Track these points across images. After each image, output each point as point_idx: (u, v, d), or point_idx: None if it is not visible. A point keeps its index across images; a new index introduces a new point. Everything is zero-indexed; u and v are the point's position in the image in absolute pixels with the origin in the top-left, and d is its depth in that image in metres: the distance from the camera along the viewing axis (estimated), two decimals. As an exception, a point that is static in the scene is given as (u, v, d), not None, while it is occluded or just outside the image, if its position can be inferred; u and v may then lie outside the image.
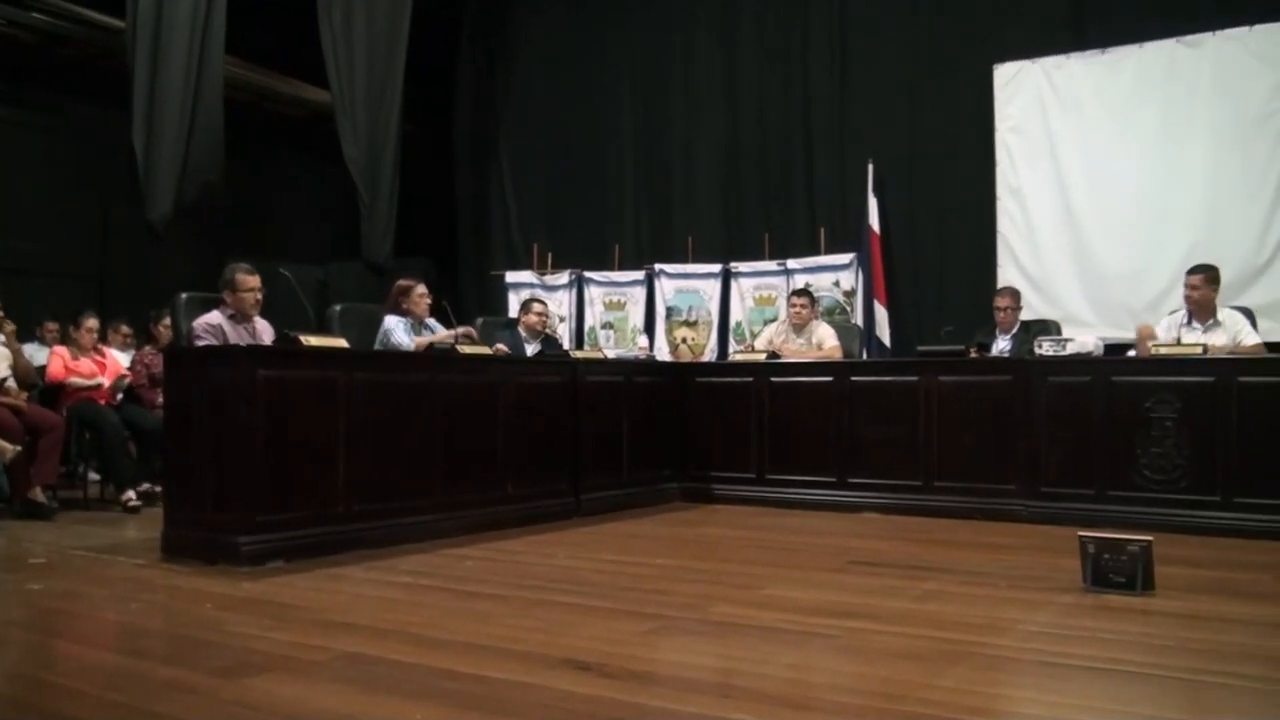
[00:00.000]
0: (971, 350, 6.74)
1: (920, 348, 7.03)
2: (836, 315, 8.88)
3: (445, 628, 3.41)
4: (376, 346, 6.43)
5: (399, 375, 5.35)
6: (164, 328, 7.08)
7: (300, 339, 5.05)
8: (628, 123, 10.42)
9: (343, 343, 5.33)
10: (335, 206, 10.56)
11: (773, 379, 6.87)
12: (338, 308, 6.52)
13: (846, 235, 9.19)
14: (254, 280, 5.77)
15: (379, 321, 6.52)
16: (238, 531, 4.55)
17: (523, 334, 7.31)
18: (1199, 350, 5.87)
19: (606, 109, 10.49)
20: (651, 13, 10.32)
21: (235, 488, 4.61)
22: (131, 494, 6.57)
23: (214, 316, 5.64)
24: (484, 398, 5.73)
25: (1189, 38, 7.90)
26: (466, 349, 6.06)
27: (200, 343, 5.45)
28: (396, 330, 6.49)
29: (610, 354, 8.97)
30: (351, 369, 5.06)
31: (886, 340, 8.71)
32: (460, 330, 6.50)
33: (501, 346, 6.84)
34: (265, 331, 5.84)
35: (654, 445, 6.91)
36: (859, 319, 8.78)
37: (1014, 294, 7.31)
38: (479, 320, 7.46)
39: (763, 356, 7.16)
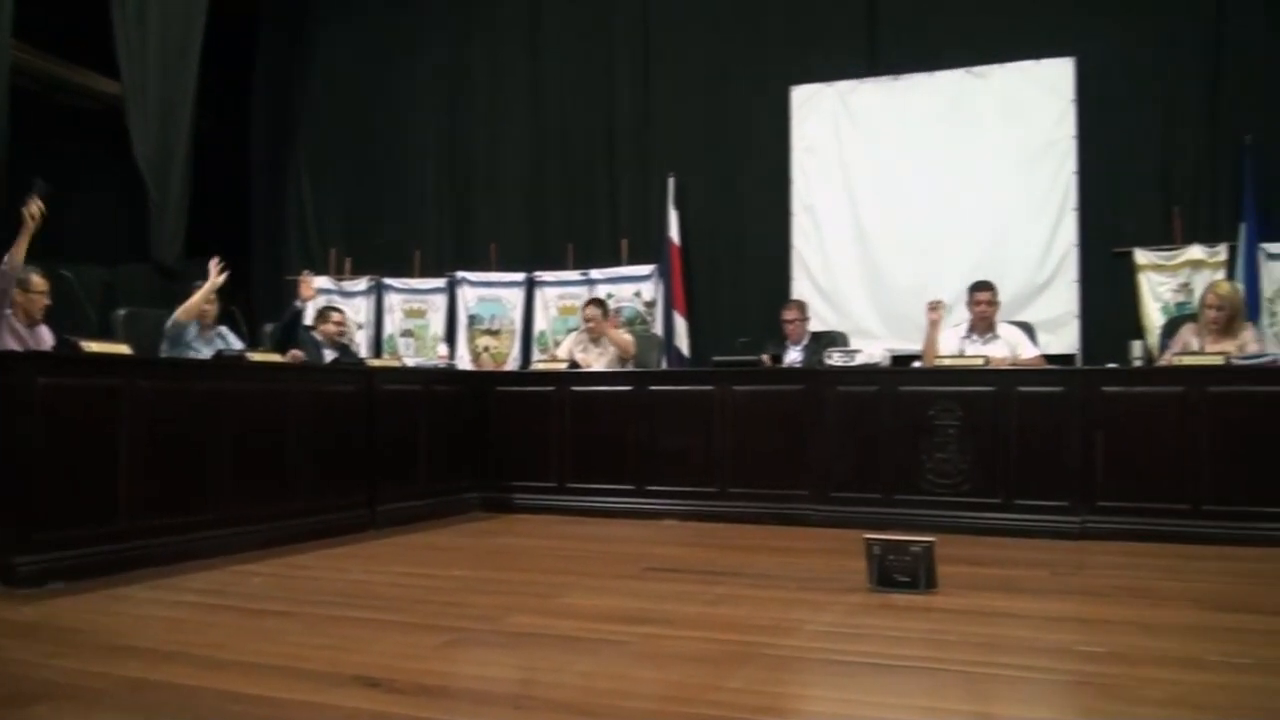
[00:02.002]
0: (765, 360, 6.89)
1: (716, 358, 7.14)
2: (637, 325, 8.96)
3: (232, 648, 3.26)
4: (165, 351, 6.17)
5: (186, 383, 5.10)
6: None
7: (80, 344, 4.78)
8: (430, 128, 10.27)
9: (126, 349, 5.07)
10: (124, 205, 10.04)
11: (573, 388, 6.88)
12: (123, 311, 6.22)
13: (648, 247, 9.29)
14: (45, 283, 5.50)
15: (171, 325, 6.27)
16: (13, 550, 4.24)
17: (320, 340, 7.12)
18: (981, 361, 6.17)
19: (409, 112, 10.30)
20: (457, 18, 10.21)
21: (10, 503, 4.30)
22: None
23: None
24: (276, 407, 5.53)
25: (977, 68, 8.32)
26: (258, 356, 5.86)
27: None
28: (228, 336, 6.24)
29: (410, 362, 8.81)
30: (136, 376, 4.80)
31: (685, 350, 8.84)
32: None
33: (298, 354, 6.65)
34: (45, 337, 5.53)
35: (453, 455, 6.82)
36: (659, 329, 8.88)
37: (801, 306, 7.53)
38: (267, 327, 7.23)
39: (564, 366, 7.17)
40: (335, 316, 7.31)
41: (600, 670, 3.07)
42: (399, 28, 10.36)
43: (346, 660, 3.09)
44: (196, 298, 6.34)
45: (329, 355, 7.04)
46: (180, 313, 6.31)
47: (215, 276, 6.43)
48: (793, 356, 7.23)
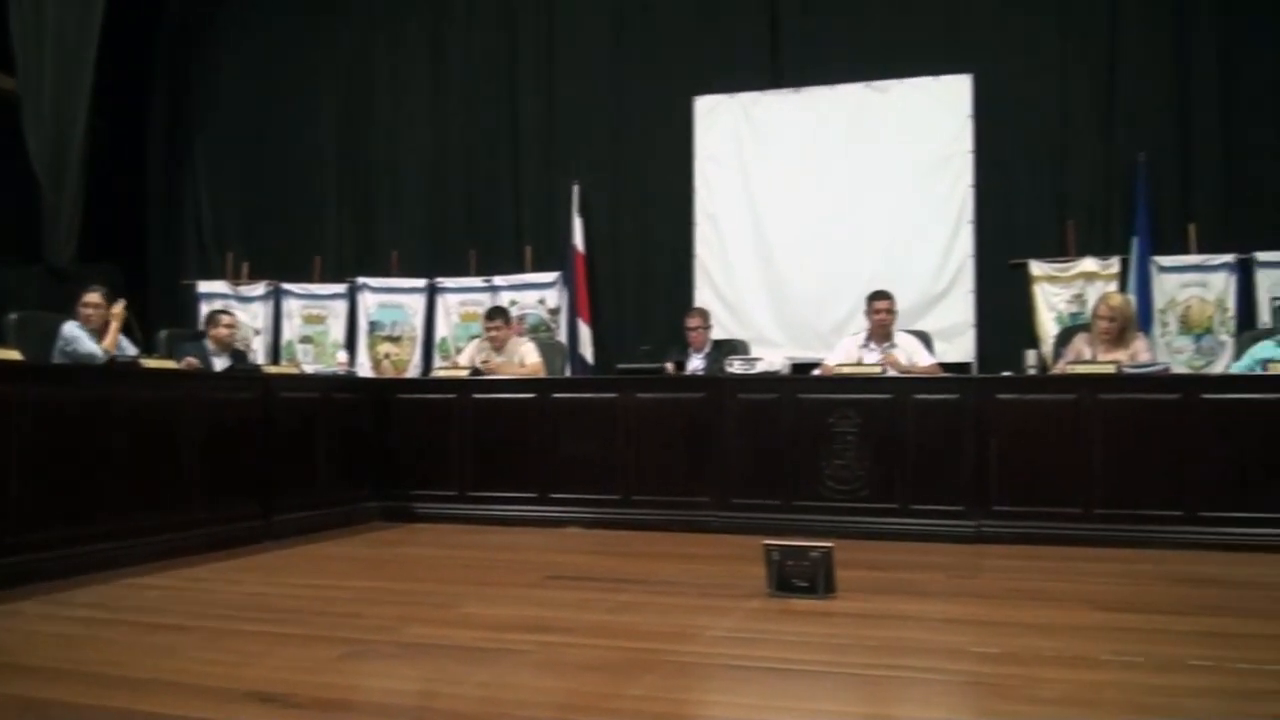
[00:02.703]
0: (668, 368, 6.92)
1: (619, 365, 7.16)
2: (541, 333, 8.93)
3: (125, 664, 3.16)
4: (57, 357, 5.99)
5: (77, 391, 4.94)
6: None
7: (-36, 350, 4.61)
8: (331, 131, 10.12)
9: (17, 354, 4.89)
10: (15, 204, 9.70)
11: (475, 396, 6.82)
12: (14, 315, 6.03)
13: (552, 254, 9.27)
14: None
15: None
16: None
17: (210, 347, 6.97)
18: (879, 369, 6.26)
19: (310, 115, 10.15)
20: (360, 19, 10.08)
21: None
22: None
23: None
24: (170, 415, 5.38)
25: (878, 83, 8.48)
26: (152, 363, 5.72)
27: None
28: (82, 339, 6.07)
29: (308, 369, 8.70)
30: (24, 383, 4.63)
31: (589, 357, 8.85)
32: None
33: (192, 360, 6.50)
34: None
35: (353, 464, 6.71)
36: (563, 337, 8.87)
37: (703, 314, 7.58)
38: (163, 333, 7.07)
39: (466, 373, 7.11)
40: (225, 320, 7.15)
41: (500, 680, 3.04)
42: (300, 32, 10.20)
43: (243, 675, 3.02)
44: (112, 335, 6.25)
45: (221, 362, 6.88)
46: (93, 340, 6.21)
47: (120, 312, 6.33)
48: (695, 364, 7.27)
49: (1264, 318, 7.59)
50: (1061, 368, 6.33)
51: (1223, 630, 3.70)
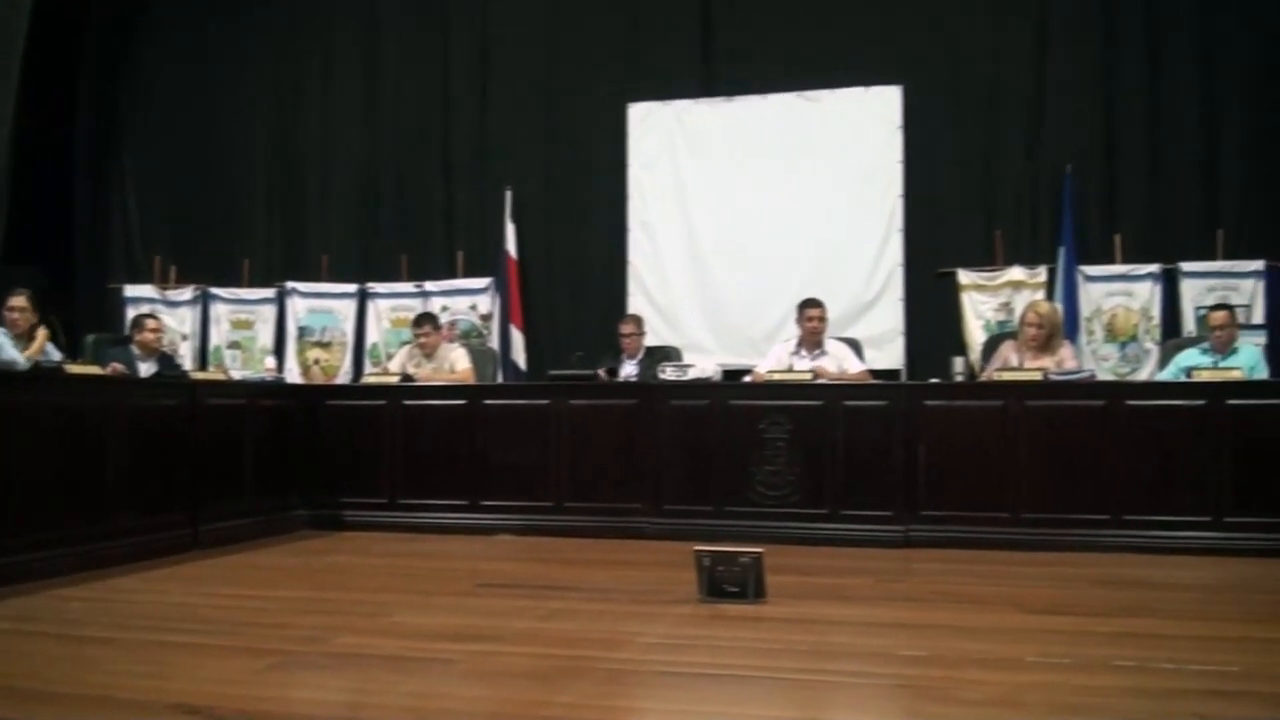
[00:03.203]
0: (601, 375, 6.91)
1: (552, 372, 7.14)
2: (473, 339, 8.89)
3: (47, 678, 3.09)
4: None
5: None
6: None
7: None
8: (261, 133, 9.98)
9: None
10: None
11: (406, 402, 6.75)
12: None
13: (484, 259, 9.23)
14: None
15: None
16: None
17: (136, 352, 6.85)
18: (809, 376, 6.31)
19: (238, 119, 9.99)
20: (290, 25, 9.97)
21: None
22: None
23: None
24: (94, 422, 5.25)
25: (810, 93, 8.56)
26: (76, 368, 5.60)
27: None
28: (4, 345, 5.94)
29: (236, 375, 8.58)
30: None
31: (522, 364, 8.82)
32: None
33: (118, 366, 6.39)
34: None
35: (281, 472, 6.61)
36: (495, 343, 8.83)
37: (637, 321, 7.58)
38: (89, 338, 6.93)
39: (396, 379, 7.05)
40: (150, 324, 7.01)
41: (429, 690, 3.01)
42: (230, 34, 10.05)
43: (168, 688, 2.96)
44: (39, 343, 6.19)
45: (147, 367, 6.76)
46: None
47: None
48: (628, 370, 7.27)
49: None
50: (989, 375, 6.43)
51: (1146, 631, 3.78)
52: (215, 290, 9.66)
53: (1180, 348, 6.75)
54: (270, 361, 8.40)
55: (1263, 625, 3.90)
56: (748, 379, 6.65)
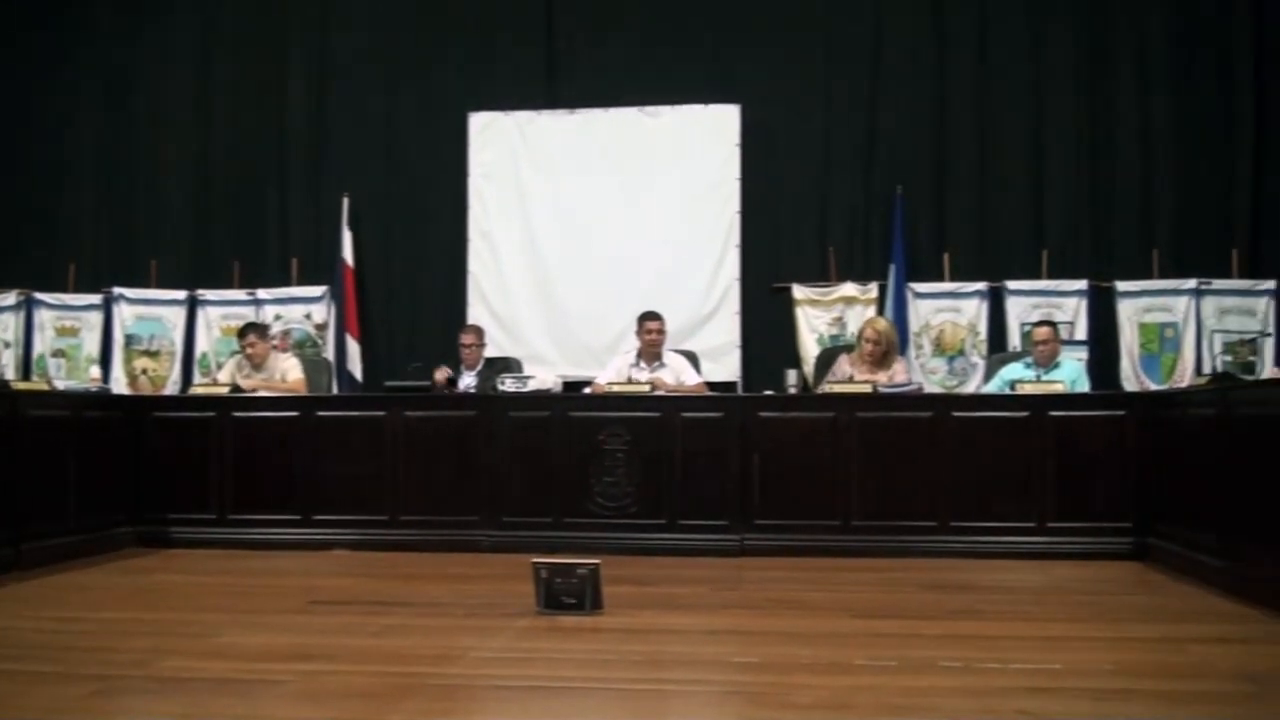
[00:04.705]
0: (438, 377, 6.83)
1: (388, 383, 7.00)
2: (308, 348, 8.68)
3: None
4: None
5: None
6: None
7: None
8: (88, 132, 9.55)
9: None
10: None
11: (236, 414, 6.53)
12: None
13: (320, 267, 9.03)
14: None
15: None
16: None
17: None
18: (647, 388, 6.34)
19: (65, 119, 9.53)
20: (121, 23, 9.54)
21: None
22: None
23: None
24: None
25: (650, 108, 8.65)
26: None
27: None
28: None
29: (60, 385, 8.19)
30: None
31: (358, 375, 8.65)
32: None
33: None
34: None
35: (106, 487, 6.31)
36: (330, 353, 8.64)
37: (477, 331, 7.51)
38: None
39: (225, 390, 6.83)
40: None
41: (257, 713, 2.92)
42: (60, 29, 9.60)
43: (-18, 717, 2.81)
44: None
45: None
46: None
47: None
48: (467, 382, 7.20)
49: (1013, 341, 8.12)
50: (826, 387, 6.57)
51: (972, 633, 3.91)
52: (39, 295, 9.19)
53: (1005, 362, 7.01)
54: (96, 371, 8.08)
55: (1083, 625, 4.07)
56: (588, 390, 6.66)
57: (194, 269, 9.28)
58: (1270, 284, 7.98)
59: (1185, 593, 4.76)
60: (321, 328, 8.89)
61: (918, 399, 6.19)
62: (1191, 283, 8.05)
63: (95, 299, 9.23)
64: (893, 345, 6.73)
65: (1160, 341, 8.12)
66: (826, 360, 7.08)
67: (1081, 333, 8.13)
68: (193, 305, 9.16)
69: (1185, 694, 3.04)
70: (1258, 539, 4.45)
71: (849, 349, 6.87)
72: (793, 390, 6.52)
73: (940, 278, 8.40)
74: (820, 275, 8.50)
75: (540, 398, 6.38)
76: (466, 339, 7.36)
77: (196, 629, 4.05)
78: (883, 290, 8.35)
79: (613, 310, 8.24)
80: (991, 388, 6.71)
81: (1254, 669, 3.32)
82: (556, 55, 8.95)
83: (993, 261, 8.40)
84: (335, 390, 7.97)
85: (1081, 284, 8.20)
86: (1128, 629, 3.99)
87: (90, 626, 4.21)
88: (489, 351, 7.56)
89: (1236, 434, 4.71)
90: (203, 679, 3.27)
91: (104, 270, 9.40)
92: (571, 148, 8.71)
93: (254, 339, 7.13)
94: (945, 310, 8.37)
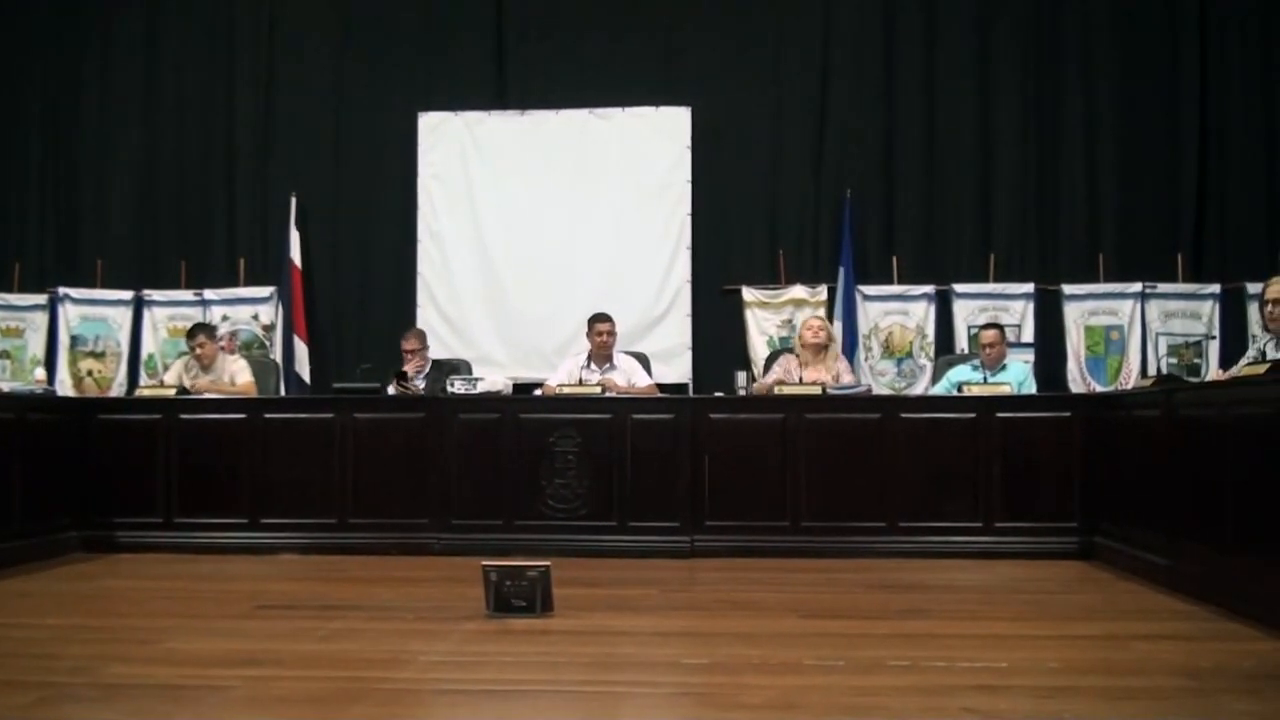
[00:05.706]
0: (390, 387, 6.79)
1: (336, 385, 6.95)
2: (255, 350, 8.60)
3: None
4: None
5: None
6: None
7: None
8: (34, 128, 9.36)
9: None
10: None
11: (183, 416, 6.45)
12: None
13: (267, 268, 8.95)
14: None
15: None
16: None
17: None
18: (598, 390, 6.34)
19: (10, 110, 9.36)
20: (67, 21, 9.38)
21: None
22: None
23: None
24: None
25: (601, 110, 8.66)
26: None
27: None
28: None
29: (4, 387, 8.05)
30: None
31: (306, 376, 8.58)
32: None
33: None
34: None
35: (51, 491, 6.19)
36: (278, 354, 8.57)
37: (420, 335, 7.41)
38: None
39: (172, 392, 6.74)
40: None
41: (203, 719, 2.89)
42: (2, 22, 9.45)
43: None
44: None
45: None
46: None
47: None
48: (417, 384, 7.14)
49: (961, 343, 8.21)
50: (766, 383, 6.59)
51: (920, 632, 3.93)
52: (-18, 295, 9.06)
53: (953, 364, 7.09)
54: (40, 373, 7.96)
55: (1029, 624, 4.13)
56: (538, 392, 6.65)
57: (140, 269, 9.16)
58: (1215, 288, 8.14)
59: (1130, 591, 4.83)
60: (269, 329, 8.81)
61: (867, 401, 6.23)
62: (1137, 286, 8.19)
63: (40, 299, 9.09)
64: (833, 339, 6.84)
65: (1106, 344, 8.25)
66: (773, 361, 7.12)
67: (1028, 335, 8.25)
68: (139, 306, 9.04)
69: (1129, 690, 3.09)
70: (1201, 538, 4.53)
71: (793, 350, 6.91)
72: (742, 392, 6.54)
73: (889, 280, 8.48)
74: (770, 277, 8.55)
75: (490, 399, 6.36)
76: (409, 345, 7.19)
77: (142, 635, 4.00)
78: (832, 293, 8.42)
79: (563, 312, 8.24)
80: (939, 389, 6.77)
81: (1197, 665, 3.38)
82: (507, 56, 8.93)
83: (941, 264, 8.52)
84: (283, 392, 7.88)
85: (1028, 287, 8.32)
86: (1073, 627, 4.04)
87: (33, 633, 4.12)
88: (437, 353, 7.51)
89: (1180, 435, 4.79)
90: (148, 685, 3.22)
91: (49, 270, 9.26)
92: (522, 149, 8.69)
93: (203, 339, 7.07)
94: (894, 313, 8.44)
